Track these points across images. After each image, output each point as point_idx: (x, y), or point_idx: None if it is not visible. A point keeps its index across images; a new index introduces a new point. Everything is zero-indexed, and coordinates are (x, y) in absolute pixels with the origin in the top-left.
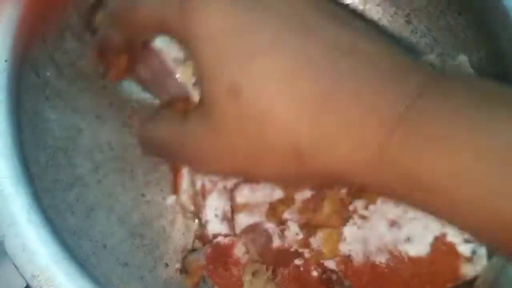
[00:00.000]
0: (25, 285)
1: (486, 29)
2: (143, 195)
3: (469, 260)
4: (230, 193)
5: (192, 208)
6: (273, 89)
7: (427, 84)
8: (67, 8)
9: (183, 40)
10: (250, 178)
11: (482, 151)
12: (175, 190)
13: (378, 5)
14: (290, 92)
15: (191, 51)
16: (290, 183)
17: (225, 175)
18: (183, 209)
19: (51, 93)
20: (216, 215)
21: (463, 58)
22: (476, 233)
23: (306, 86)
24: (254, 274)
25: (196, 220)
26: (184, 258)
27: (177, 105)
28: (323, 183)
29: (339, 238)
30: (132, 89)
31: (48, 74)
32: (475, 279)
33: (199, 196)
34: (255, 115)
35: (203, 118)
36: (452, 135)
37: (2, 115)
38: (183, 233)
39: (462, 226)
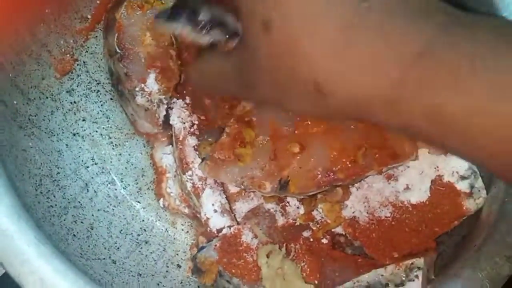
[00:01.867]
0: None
1: None
2: (138, 202)
3: (469, 195)
4: (222, 186)
5: (186, 210)
6: (299, 25)
7: (448, 24)
8: (19, 30)
9: None
10: (281, 106)
11: (498, 87)
12: (160, 194)
13: None
14: (315, 27)
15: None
16: (313, 115)
17: (262, 103)
18: (177, 212)
19: (22, 121)
20: (215, 210)
21: None
22: (488, 163)
23: (331, 22)
24: (268, 255)
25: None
26: (194, 258)
27: (221, 46)
28: (343, 119)
29: (341, 206)
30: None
31: (15, 102)
32: (479, 212)
33: (193, 197)
34: (284, 48)
35: (242, 51)
36: (469, 72)
37: None
38: (187, 232)
39: (474, 158)
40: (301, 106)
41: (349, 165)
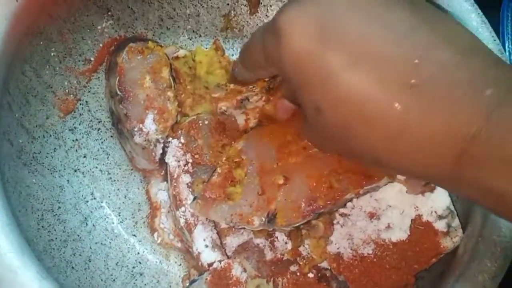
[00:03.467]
0: None
1: None
2: (134, 235)
3: (446, 233)
4: (214, 221)
5: (179, 244)
6: (348, 110)
7: (502, 100)
8: (25, 71)
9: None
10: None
11: None
12: (153, 228)
13: None
14: (364, 113)
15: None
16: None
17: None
18: (170, 246)
19: (27, 158)
20: (206, 245)
21: None
22: None
23: (380, 106)
24: None
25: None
26: None
27: None
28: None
29: (326, 242)
30: None
31: (20, 141)
32: (456, 249)
33: (185, 232)
34: (336, 128)
35: (306, 119)
36: None
37: None
38: (180, 264)
39: None
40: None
41: (327, 191)
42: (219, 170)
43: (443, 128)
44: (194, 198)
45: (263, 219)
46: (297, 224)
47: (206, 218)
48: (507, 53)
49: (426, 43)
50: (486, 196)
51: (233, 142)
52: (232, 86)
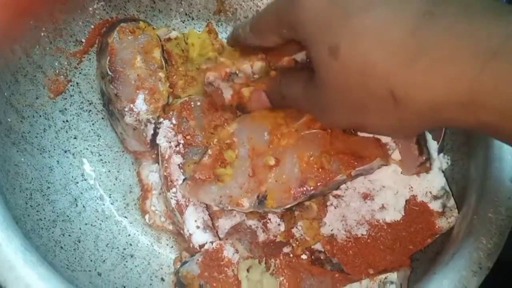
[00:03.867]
0: None
1: None
2: (125, 217)
3: (441, 214)
4: (205, 203)
5: (170, 226)
6: (368, 41)
7: None
8: (15, 50)
9: (293, 27)
10: (360, 127)
11: None
12: (144, 211)
13: None
14: (383, 41)
15: (300, 35)
16: (392, 130)
17: (341, 126)
18: (162, 229)
19: (15, 137)
20: (198, 227)
21: None
22: None
23: (398, 33)
24: (248, 270)
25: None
26: (176, 272)
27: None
28: (421, 126)
29: (320, 223)
30: None
31: (9, 119)
32: (451, 230)
33: (177, 214)
34: (355, 67)
35: (315, 80)
36: None
37: None
38: (171, 246)
39: None
40: (379, 121)
41: (318, 172)
42: (210, 151)
43: (462, 47)
44: (184, 179)
45: (253, 200)
46: (288, 206)
47: (198, 200)
48: None
49: None
50: (499, 115)
51: (225, 124)
52: (222, 59)
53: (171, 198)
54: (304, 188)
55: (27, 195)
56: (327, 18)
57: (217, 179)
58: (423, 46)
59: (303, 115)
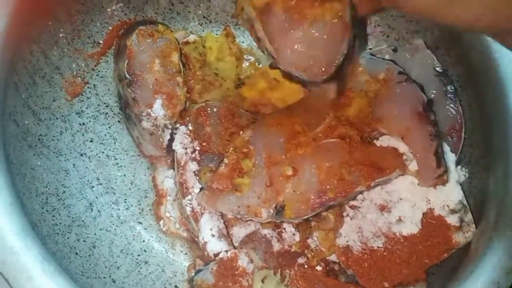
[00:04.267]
0: None
1: None
2: (140, 223)
3: (459, 228)
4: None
5: (185, 234)
6: None
7: None
8: (33, 51)
9: None
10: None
11: None
12: (159, 217)
13: None
14: None
15: None
16: None
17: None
18: (176, 236)
19: (32, 140)
20: (213, 235)
21: (418, 41)
22: None
23: None
24: (263, 280)
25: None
26: (191, 280)
27: None
28: None
29: (336, 234)
30: None
31: (26, 122)
32: (469, 245)
33: (192, 221)
34: None
35: None
36: None
37: None
38: (186, 253)
39: None
40: None
41: (337, 183)
42: (226, 160)
43: None
44: (201, 189)
45: (271, 211)
46: (306, 217)
47: (215, 210)
48: None
49: None
50: None
51: (241, 131)
52: None
53: (186, 205)
54: (323, 199)
55: (43, 199)
56: None
57: (235, 189)
58: None
59: (320, 123)
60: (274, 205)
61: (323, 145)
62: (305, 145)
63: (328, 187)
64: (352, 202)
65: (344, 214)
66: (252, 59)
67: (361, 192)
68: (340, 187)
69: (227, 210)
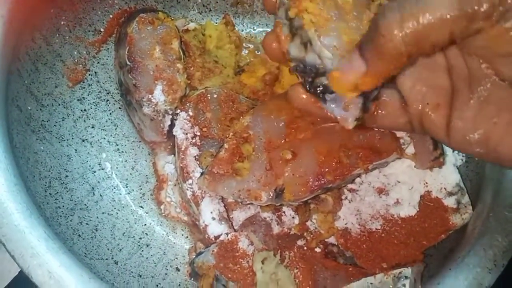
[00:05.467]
0: (17, 272)
1: None
2: (141, 207)
3: (456, 210)
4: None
5: (185, 218)
6: None
7: None
8: (35, 38)
9: None
10: None
11: None
12: (159, 201)
13: None
14: None
15: None
16: None
17: None
18: (177, 220)
19: (35, 125)
20: (213, 218)
21: None
22: None
23: None
24: (263, 261)
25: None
26: (192, 262)
27: None
28: None
29: (334, 217)
30: None
31: (29, 107)
32: (465, 226)
33: (192, 205)
34: None
35: None
36: None
37: (1, 154)
38: (187, 237)
39: None
40: None
41: (335, 166)
42: (226, 145)
43: None
44: (202, 174)
45: (271, 194)
46: (305, 199)
47: (216, 194)
48: None
49: None
50: None
51: (241, 117)
52: None
53: (187, 189)
54: (322, 182)
55: (46, 183)
56: None
57: (235, 173)
58: None
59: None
60: (274, 188)
61: (321, 129)
62: (304, 129)
63: (326, 170)
64: (350, 185)
65: (343, 197)
66: (251, 46)
67: (359, 175)
68: (338, 170)
69: (228, 194)
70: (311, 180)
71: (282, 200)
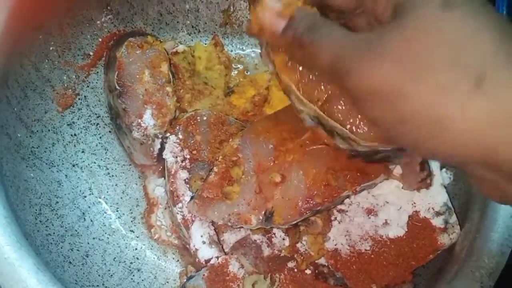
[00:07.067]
0: None
1: None
2: (132, 231)
3: (443, 230)
4: None
5: (176, 241)
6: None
7: None
8: (24, 64)
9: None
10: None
11: None
12: (150, 225)
13: None
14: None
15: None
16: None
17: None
18: (167, 244)
19: (25, 152)
20: (204, 242)
21: None
22: None
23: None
24: (254, 285)
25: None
26: (182, 287)
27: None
28: None
29: (324, 238)
30: None
31: (19, 135)
32: (453, 246)
33: (183, 229)
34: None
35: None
36: None
37: None
38: (177, 260)
39: None
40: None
41: (324, 189)
42: (216, 169)
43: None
44: (191, 198)
45: (261, 217)
46: (295, 222)
47: (206, 218)
48: None
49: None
50: None
51: (230, 139)
52: None
53: (177, 213)
54: (311, 204)
55: (36, 210)
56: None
57: (225, 197)
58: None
59: (306, 129)
60: (264, 212)
61: (309, 151)
62: (292, 152)
63: (315, 192)
64: (339, 206)
65: (332, 218)
66: (241, 67)
67: (347, 197)
68: (327, 192)
69: (218, 218)
70: (300, 203)
71: (271, 224)
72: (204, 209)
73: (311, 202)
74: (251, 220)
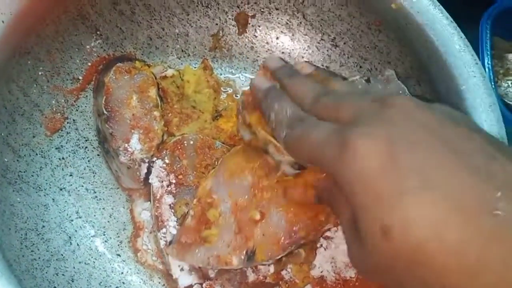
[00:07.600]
0: None
1: (406, 43)
2: (118, 255)
3: None
4: None
5: (161, 266)
6: (422, 233)
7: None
8: (12, 90)
9: (337, 181)
10: None
11: None
12: (136, 249)
13: (306, 34)
14: (440, 236)
15: (346, 192)
16: None
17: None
18: (153, 268)
19: (12, 177)
20: (182, 269)
21: (389, 72)
22: None
23: (455, 232)
24: None
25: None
26: None
27: None
28: None
29: (310, 266)
30: None
31: (6, 159)
32: None
33: (165, 255)
34: (404, 253)
35: (360, 239)
36: None
37: None
38: (163, 285)
39: None
40: None
41: (309, 222)
42: (192, 212)
43: None
44: (170, 243)
45: (242, 257)
46: (279, 257)
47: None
48: (486, 69)
49: (504, 177)
50: None
51: (216, 162)
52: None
53: (161, 239)
54: (294, 239)
55: (21, 235)
56: (379, 190)
57: (203, 241)
58: (487, 258)
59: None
60: (245, 251)
61: (288, 186)
62: (270, 189)
63: (298, 226)
64: (326, 234)
65: (318, 245)
66: (230, 90)
67: (329, 229)
68: (311, 226)
69: (197, 262)
70: (283, 238)
71: (254, 262)
72: (183, 253)
73: (294, 236)
74: (232, 261)
